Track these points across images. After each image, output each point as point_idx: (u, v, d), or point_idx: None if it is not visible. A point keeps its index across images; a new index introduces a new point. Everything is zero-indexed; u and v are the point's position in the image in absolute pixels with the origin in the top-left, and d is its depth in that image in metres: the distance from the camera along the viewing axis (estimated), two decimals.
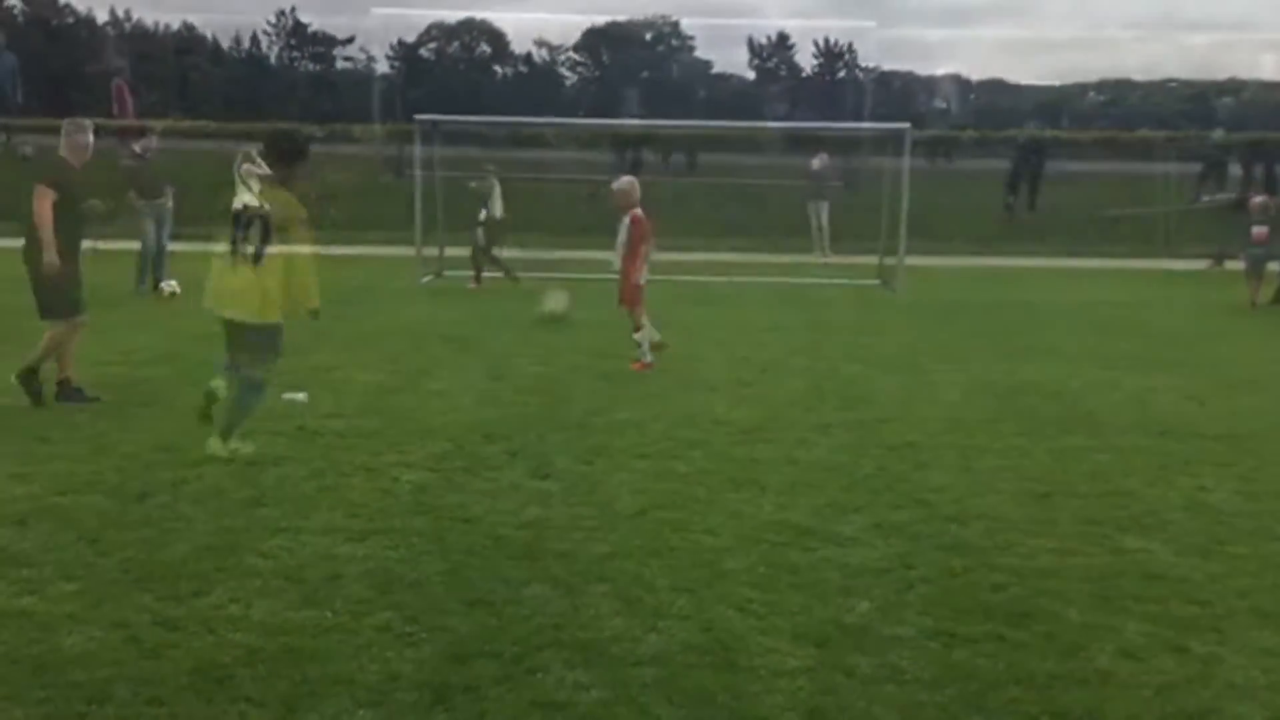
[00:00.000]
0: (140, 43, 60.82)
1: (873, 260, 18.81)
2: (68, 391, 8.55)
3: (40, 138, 25.27)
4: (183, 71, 63.37)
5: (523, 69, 75.88)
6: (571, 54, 76.96)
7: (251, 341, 7.23)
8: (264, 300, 7.10)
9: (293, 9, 72.02)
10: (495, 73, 75.28)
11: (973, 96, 62.08)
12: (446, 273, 17.19)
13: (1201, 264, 20.94)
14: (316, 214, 7.54)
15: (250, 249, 7.04)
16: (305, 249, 7.22)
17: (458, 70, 71.96)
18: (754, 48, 76.37)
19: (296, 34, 73.22)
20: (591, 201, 11.72)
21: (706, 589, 5.28)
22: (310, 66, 72.66)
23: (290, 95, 60.70)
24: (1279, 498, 6.92)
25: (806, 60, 76.12)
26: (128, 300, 13.71)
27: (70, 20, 63.84)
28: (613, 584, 5.29)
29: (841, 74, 69.88)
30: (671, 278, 15.20)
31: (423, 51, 73.84)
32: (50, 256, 8.20)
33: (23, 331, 10.46)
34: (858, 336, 12.56)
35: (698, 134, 32.87)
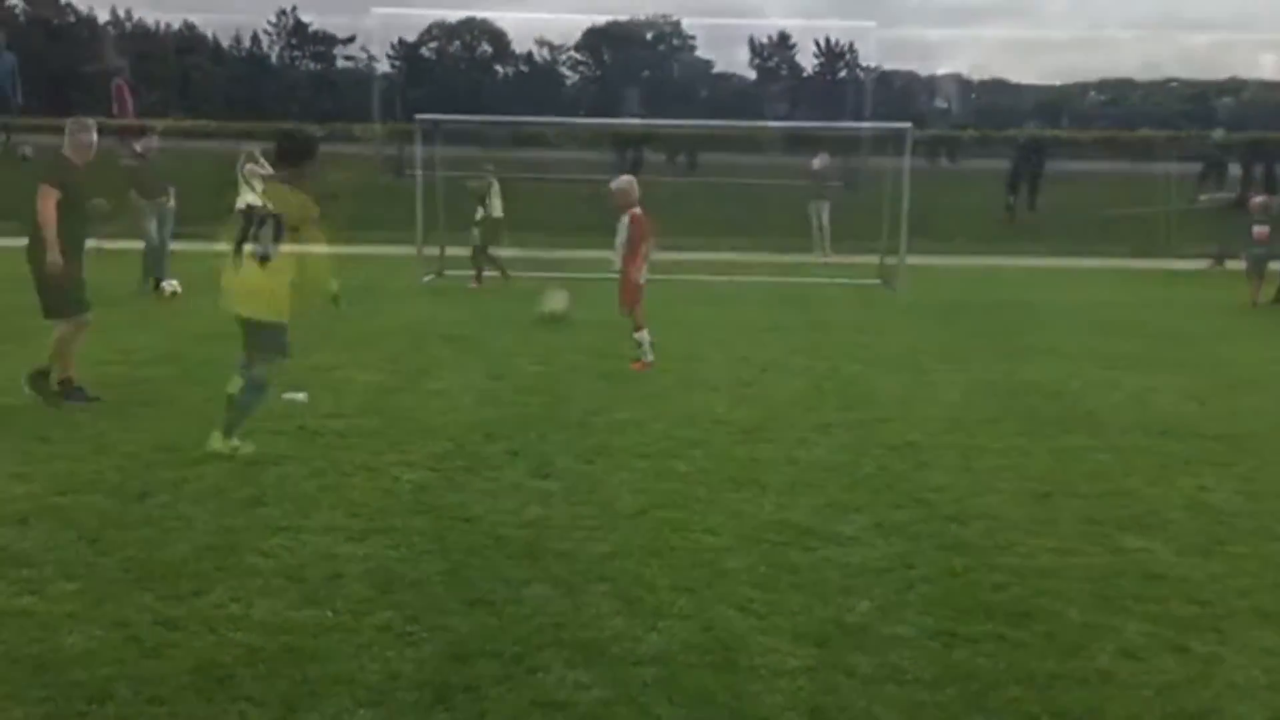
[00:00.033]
0: (141, 42, 60.84)
1: (873, 260, 18.81)
2: (69, 391, 8.56)
3: (40, 138, 25.27)
4: (184, 71, 63.38)
5: (524, 68, 75.88)
6: (573, 53, 76.99)
7: (259, 339, 7.28)
8: (272, 299, 7.17)
9: (293, 8, 72.05)
10: (496, 72, 75.28)
11: (974, 96, 62.11)
12: (447, 272, 17.19)
13: (1202, 264, 20.94)
14: (329, 211, 7.62)
15: (260, 248, 7.09)
16: (319, 246, 7.30)
17: (458, 69, 71.98)
18: (755, 47, 76.40)
19: (297, 33, 73.24)
20: (593, 201, 11.74)
21: (707, 588, 5.28)
22: (311, 66, 72.68)
23: (291, 95, 60.71)
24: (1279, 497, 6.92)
25: (808, 60, 76.14)
26: (129, 299, 13.71)
27: (71, 19, 63.87)
28: (613, 583, 5.29)
29: (843, 74, 69.90)
30: (672, 277, 15.21)
31: (424, 51, 73.85)
32: (53, 256, 8.20)
33: (25, 330, 10.48)
34: (858, 336, 12.56)
35: (698, 133, 32.85)
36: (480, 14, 72.41)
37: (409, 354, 10.85)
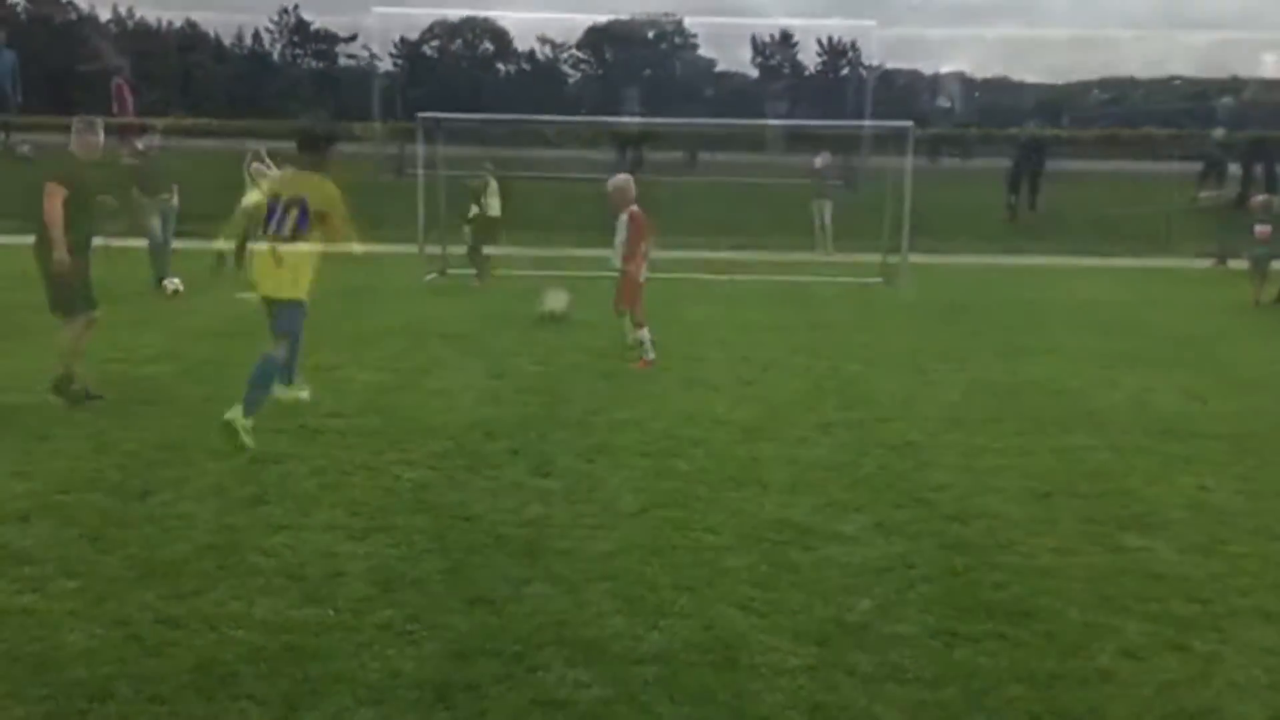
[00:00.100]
0: (143, 40, 60.82)
1: (875, 259, 18.80)
2: (61, 388, 8.54)
3: (39, 136, 25.25)
4: (185, 69, 63.39)
5: (525, 66, 75.85)
6: (574, 52, 76.97)
7: (275, 317, 7.69)
8: (294, 277, 7.58)
9: (295, 6, 72.04)
10: (498, 70, 75.26)
11: (977, 95, 62.06)
12: (450, 271, 17.19)
13: (1204, 263, 20.93)
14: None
15: (285, 231, 7.53)
16: (341, 222, 7.73)
17: (460, 68, 71.96)
18: (757, 46, 76.39)
19: (299, 31, 73.25)
20: (594, 200, 11.78)
21: (708, 587, 5.29)
22: (313, 64, 72.67)
23: (291, 93, 60.70)
24: None
25: (810, 58, 76.11)
26: (130, 297, 13.70)
27: (73, 17, 63.87)
28: (614, 582, 5.29)
29: (845, 71, 69.88)
30: (673, 276, 15.21)
31: (425, 49, 73.84)
32: (60, 254, 8.21)
33: (26, 328, 10.50)
34: (859, 335, 12.56)
35: (700, 132, 32.86)
36: (482, 13, 72.41)
37: (410, 353, 10.85)
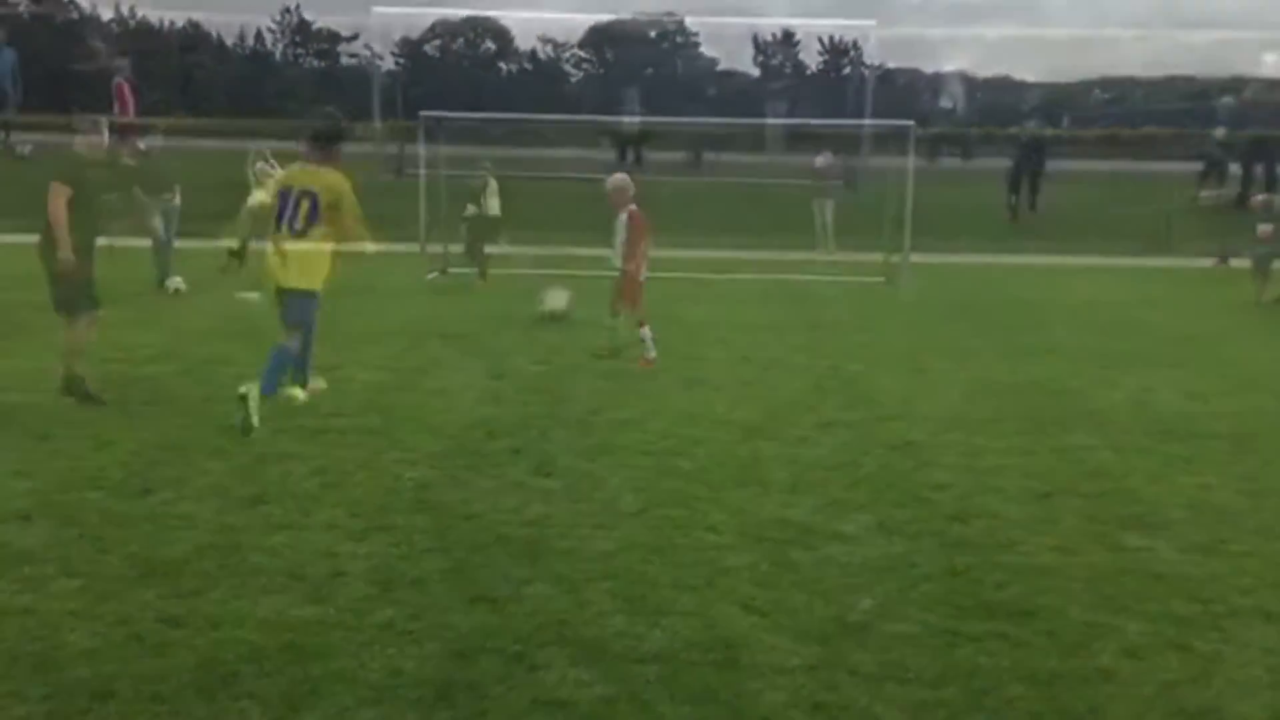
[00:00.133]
0: (144, 39, 60.80)
1: (876, 258, 18.80)
2: (71, 388, 8.55)
3: (39, 136, 25.20)
4: (187, 69, 63.37)
5: (527, 66, 75.83)
6: (576, 51, 76.95)
7: (290, 306, 8.02)
8: (307, 267, 7.89)
9: (297, 5, 72.00)
10: (500, 70, 75.24)
11: (978, 95, 61.99)
12: (451, 270, 17.18)
13: (1206, 262, 20.91)
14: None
15: (298, 224, 7.82)
16: (352, 217, 8.02)
17: (462, 67, 71.94)
18: (759, 45, 76.35)
19: (301, 31, 73.21)
20: (595, 199, 11.79)
21: (709, 587, 5.29)
22: (315, 63, 72.64)
23: (292, 93, 60.66)
24: None
25: (812, 58, 76.05)
26: (131, 297, 13.69)
27: (75, 17, 63.85)
28: (615, 581, 5.29)
29: (847, 70, 69.83)
30: (674, 275, 15.21)
31: (427, 49, 73.83)
32: (65, 253, 8.22)
33: (27, 327, 10.51)
34: (860, 335, 12.56)
35: (702, 131, 32.88)
36: (483, 12, 72.37)
37: (410, 352, 10.85)
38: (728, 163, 32.44)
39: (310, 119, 9.06)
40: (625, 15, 72.50)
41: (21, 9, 57.47)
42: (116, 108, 23.44)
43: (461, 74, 69.26)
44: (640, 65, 69.93)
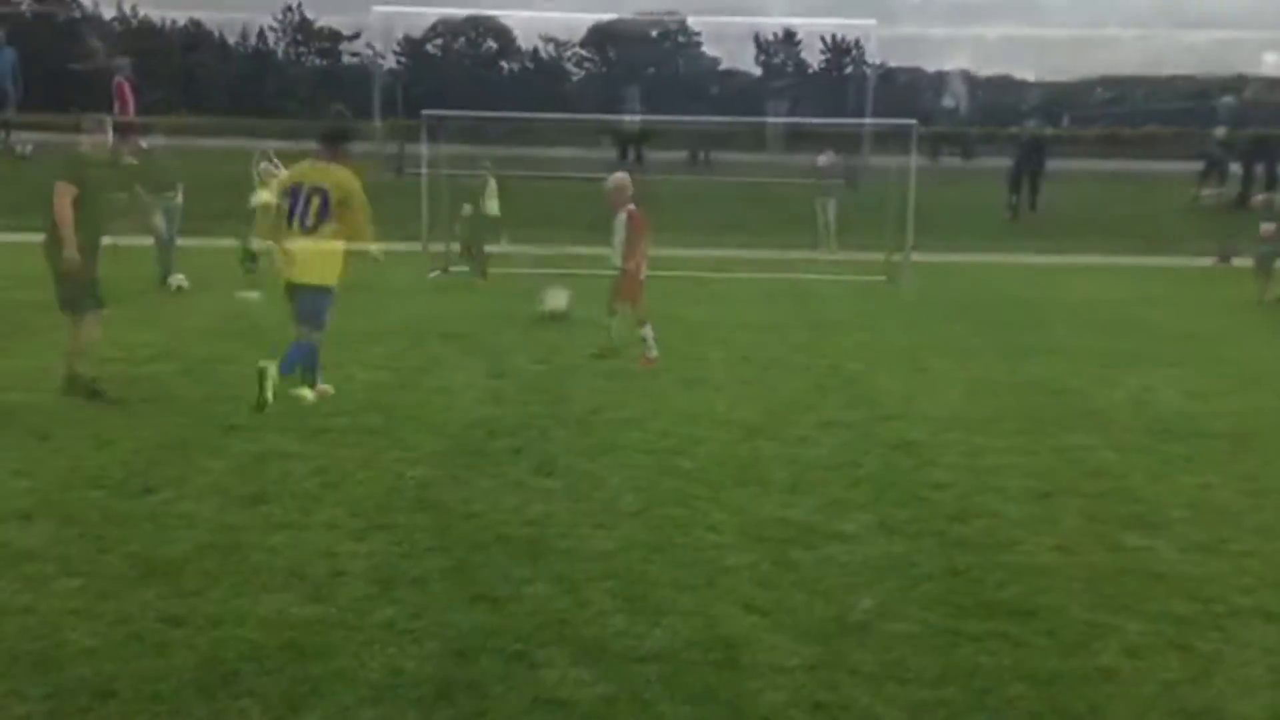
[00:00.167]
0: (147, 39, 60.78)
1: (877, 257, 18.78)
2: (74, 386, 8.56)
3: (40, 135, 25.18)
4: (189, 68, 63.33)
5: (529, 65, 75.81)
6: (578, 50, 76.94)
7: (305, 302, 8.15)
8: (320, 264, 8.02)
9: (299, 4, 71.97)
10: (502, 69, 75.20)
11: (979, 94, 61.91)
12: (453, 268, 17.19)
13: (1206, 261, 20.89)
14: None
15: (309, 221, 7.95)
16: (361, 214, 8.17)
17: (464, 66, 71.90)
18: (760, 44, 76.33)
19: (302, 29, 73.18)
20: (595, 198, 11.76)
21: (709, 586, 5.29)
22: (317, 61, 72.61)
23: (294, 92, 60.63)
24: None
25: (814, 57, 76.00)
26: (132, 296, 13.70)
27: (77, 15, 63.80)
28: (615, 581, 5.29)
29: (849, 69, 69.76)
30: (675, 274, 15.22)
31: (429, 47, 73.81)
32: (70, 253, 8.23)
33: (28, 326, 10.51)
34: (860, 334, 12.55)
35: (704, 130, 32.84)
36: (485, 11, 72.34)
37: (411, 351, 10.86)
38: (729, 162, 32.41)
39: (321, 118, 9.18)
40: (627, 14, 72.46)
41: (24, 8, 57.42)
42: (117, 107, 23.46)
43: (463, 72, 69.21)
44: (642, 64, 69.91)
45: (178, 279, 14.32)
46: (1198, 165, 26.62)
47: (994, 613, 5.04)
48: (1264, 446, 8.03)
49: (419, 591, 5.13)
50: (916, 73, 65.35)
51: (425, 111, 18.78)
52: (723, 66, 77.70)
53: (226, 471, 6.82)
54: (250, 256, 14.60)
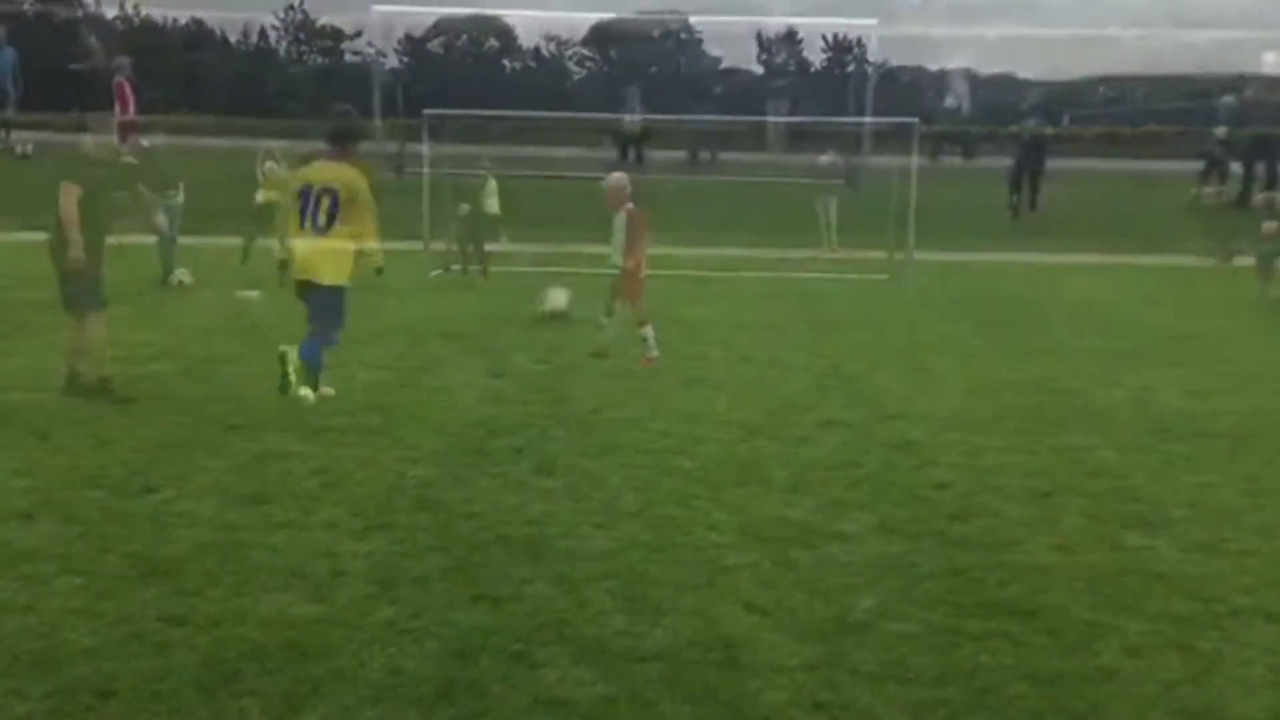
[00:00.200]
0: (149, 38, 60.75)
1: (880, 255, 18.77)
2: (75, 385, 8.56)
3: (41, 135, 25.17)
4: (191, 66, 63.30)
5: (531, 64, 75.78)
6: (580, 49, 76.92)
7: (318, 304, 8.23)
8: (334, 262, 8.13)
9: (301, 2, 71.94)
10: (504, 67, 75.18)
11: (980, 93, 61.85)
12: (455, 267, 17.17)
13: (1211, 260, 20.86)
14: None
15: (321, 221, 8.04)
16: (367, 214, 8.22)
17: (466, 64, 71.87)
18: (762, 42, 76.32)
19: (304, 28, 73.16)
20: (595, 198, 11.74)
21: (709, 586, 5.29)
22: (319, 60, 72.57)
23: (295, 91, 60.62)
24: None
25: (816, 55, 75.98)
26: (132, 295, 13.70)
27: (79, 14, 63.78)
28: (616, 580, 5.29)
29: (850, 68, 69.72)
30: (676, 273, 15.21)
31: (430, 46, 73.79)
32: (76, 252, 8.24)
33: (29, 326, 10.51)
34: (861, 333, 12.54)
35: (706, 129, 32.87)
36: (487, 10, 72.33)
37: (411, 351, 10.86)
38: (730, 161, 32.44)
39: (322, 116, 9.24)
40: (629, 14, 72.48)
41: (26, 6, 57.39)
42: (117, 106, 23.45)
43: (465, 71, 69.15)
44: (644, 63, 69.92)
45: (180, 274, 14.33)
46: (1198, 164, 26.61)
47: (994, 612, 5.04)
48: (1265, 446, 8.02)
49: (419, 591, 5.13)
50: (918, 71, 65.31)
51: (426, 111, 18.77)
52: (724, 65, 77.65)
53: (227, 471, 6.82)
54: (281, 266, 14.59)
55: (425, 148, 18.80)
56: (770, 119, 37.87)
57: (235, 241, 15.92)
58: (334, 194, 8.06)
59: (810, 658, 4.56)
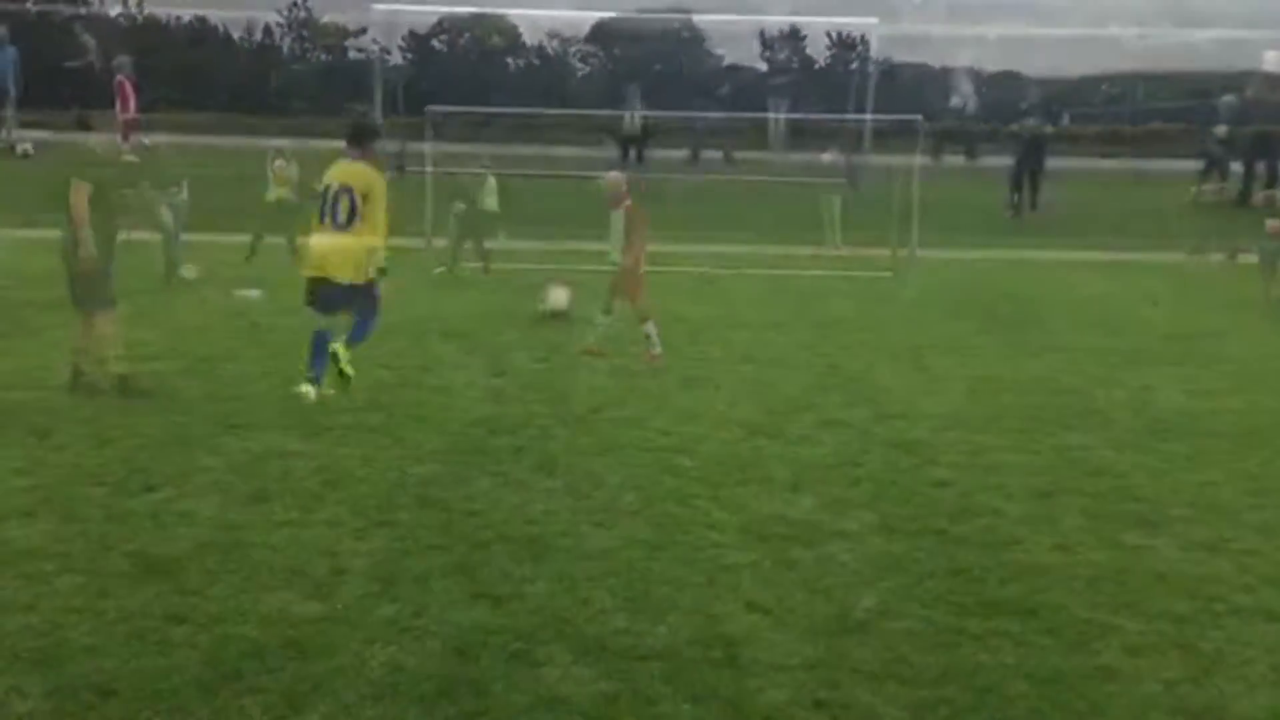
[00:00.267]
0: (152, 35, 60.75)
1: (883, 253, 18.75)
2: (79, 383, 8.56)
3: (41, 134, 25.15)
4: (194, 64, 63.28)
5: (535, 61, 75.77)
6: (583, 47, 76.92)
7: (353, 300, 8.47)
8: (355, 260, 8.34)
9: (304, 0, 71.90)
10: (507, 65, 75.14)
11: (983, 91, 61.77)
12: (441, 267, 17.14)
13: (1216, 258, 20.82)
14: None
15: (340, 219, 8.23)
16: (380, 213, 8.43)
17: (469, 62, 71.84)
18: (765, 40, 76.29)
19: (308, 25, 73.13)
20: (595, 196, 11.69)
21: (710, 584, 5.29)
22: (323, 58, 72.53)
23: (297, 89, 60.61)
24: None
25: (819, 53, 75.94)
26: (132, 294, 13.68)
27: (82, 12, 63.76)
28: (617, 579, 5.30)
29: (854, 65, 69.68)
30: (677, 270, 15.21)
31: (434, 43, 73.76)
32: (86, 250, 8.25)
33: (30, 325, 10.51)
34: (862, 332, 12.53)
35: (710, 127, 32.85)
36: (490, 10, 72.32)
37: (412, 350, 10.85)
38: (734, 159, 32.43)
39: (322, 114, 9.36)
40: (632, 12, 72.44)
41: (29, 4, 57.37)
42: (118, 104, 23.46)
43: (469, 69, 69.09)
44: (647, 61, 69.90)
45: (185, 269, 14.34)
46: (1199, 163, 26.57)
47: (995, 611, 5.04)
48: (1265, 445, 8.02)
49: (420, 589, 5.13)
50: (922, 69, 65.23)
51: (429, 108, 18.77)
52: (727, 63, 77.62)
53: (227, 469, 6.82)
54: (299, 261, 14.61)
55: (428, 145, 18.78)
56: (772, 115, 37.79)
57: (236, 239, 15.91)
58: (351, 192, 8.25)
59: (811, 656, 4.57)
